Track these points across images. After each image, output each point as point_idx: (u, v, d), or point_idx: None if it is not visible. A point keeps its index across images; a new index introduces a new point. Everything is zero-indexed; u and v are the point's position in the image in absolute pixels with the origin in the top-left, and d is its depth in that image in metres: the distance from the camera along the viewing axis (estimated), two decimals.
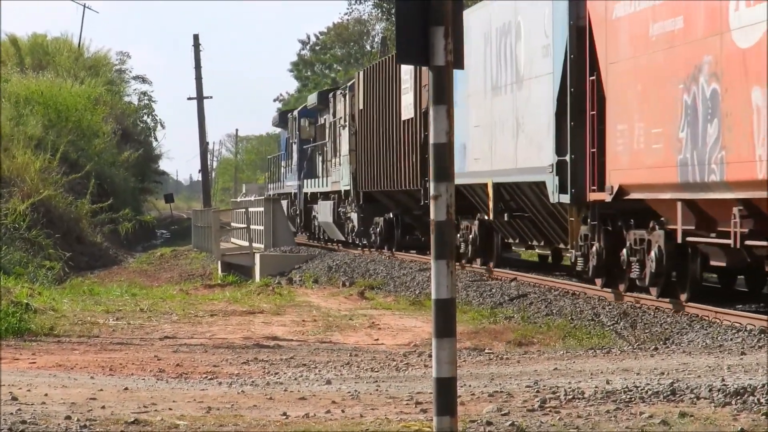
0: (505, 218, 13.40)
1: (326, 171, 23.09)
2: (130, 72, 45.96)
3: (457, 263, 14.30)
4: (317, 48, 50.70)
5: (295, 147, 27.34)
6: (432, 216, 3.71)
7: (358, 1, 44.82)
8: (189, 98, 37.37)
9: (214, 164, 49.82)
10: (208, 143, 37.76)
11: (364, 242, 20.18)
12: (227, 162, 61.10)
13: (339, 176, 20.27)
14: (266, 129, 58.84)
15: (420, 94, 15.17)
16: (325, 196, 22.80)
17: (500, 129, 12.79)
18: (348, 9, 46.97)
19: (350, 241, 20.36)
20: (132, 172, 35.02)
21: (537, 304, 12.15)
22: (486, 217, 14.31)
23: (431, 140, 3.87)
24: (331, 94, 23.54)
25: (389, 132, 17.19)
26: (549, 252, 14.99)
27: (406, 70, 15.98)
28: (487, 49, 13.24)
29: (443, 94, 3.72)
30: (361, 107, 19.13)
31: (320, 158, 24.22)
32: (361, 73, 19.75)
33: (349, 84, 21.17)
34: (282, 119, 31.64)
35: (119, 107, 35.50)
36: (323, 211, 22.55)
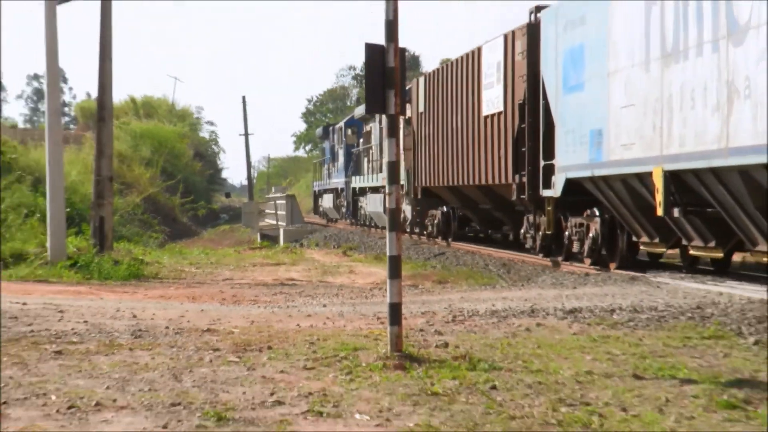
0: (678, 213, 9.47)
1: (373, 169, 24.27)
2: (203, 117, 70.38)
3: (571, 262, 12.37)
4: (317, 103, 77.90)
5: (341, 151, 29.91)
6: (387, 205, 5.66)
7: (342, 76, 77.40)
8: (240, 134, 53.68)
9: (255, 174, 70.01)
10: (251, 161, 54.44)
11: (417, 231, 20.83)
12: (262, 173, 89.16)
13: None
14: (287, 152, 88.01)
15: (513, 85, 13.05)
16: (374, 189, 23.81)
17: (683, 103, 9.10)
18: (335, 81, 78.32)
19: (410, 233, 22.02)
20: (205, 178, 54.05)
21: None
22: (613, 214, 11.23)
23: (386, 158, 5.80)
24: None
25: (462, 129, 15.76)
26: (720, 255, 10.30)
27: (491, 64, 14.01)
28: (652, 12, 9.59)
29: (394, 132, 5.68)
30: (421, 110, 18.50)
31: (366, 159, 25.48)
32: (422, 79, 18.80)
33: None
34: (325, 132, 35.94)
35: (196, 139, 55.87)
36: (372, 203, 24.32)
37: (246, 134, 50.98)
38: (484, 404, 3.80)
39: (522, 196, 12.99)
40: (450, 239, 18.10)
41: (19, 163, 20.64)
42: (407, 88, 18.39)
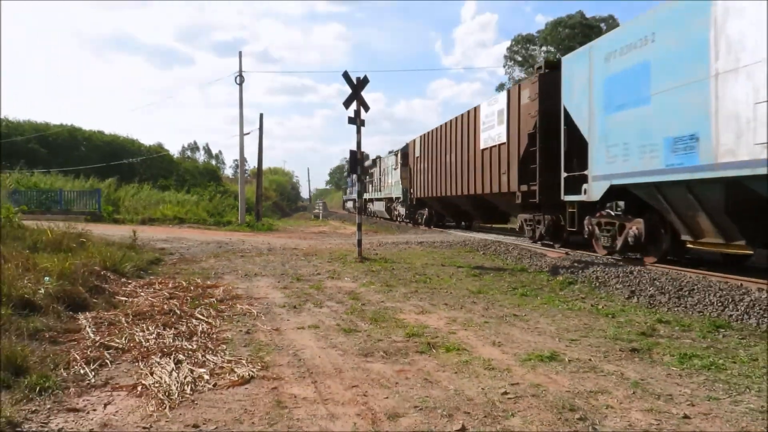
0: None
1: (374, 189, 38.54)
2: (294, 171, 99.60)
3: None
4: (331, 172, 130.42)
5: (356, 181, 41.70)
6: (358, 204, 12.98)
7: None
8: (306, 180, 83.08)
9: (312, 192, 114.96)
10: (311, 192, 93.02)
11: (407, 221, 30.58)
12: (314, 194, 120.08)
13: (390, 191, 32.71)
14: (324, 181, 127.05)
15: (519, 122, 14.78)
16: (379, 199, 37.17)
17: None
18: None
19: (396, 221, 33.20)
20: (294, 194, 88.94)
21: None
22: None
23: (357, 189, 13.14)
24: (377, 159, 38.60)
25: (455, 161, 20.49)
26: None
27: (491, 113, 16.95)
28: None
29: (359, 176, 12.90)
30: (417, 155, 26.13)
31: (370, 185, 39.50)
32: (417, 138, 26.23)
33: (396, 150, 31.41)
34: (349, 174, 48.94)
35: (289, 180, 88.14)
36: (378, 206, 37.61)
37: (308, 180, 77.76)
38: (390, 274, 11.17)
39: (532, 200, 14.39)
40: (432, 225, 26.73)
41: (230, 189, 42.81)
42: (405, 145, 29.47)
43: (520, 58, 57.63)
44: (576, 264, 11.19)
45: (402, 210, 31.87)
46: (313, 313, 7.33)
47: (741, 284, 8.20)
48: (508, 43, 60.72)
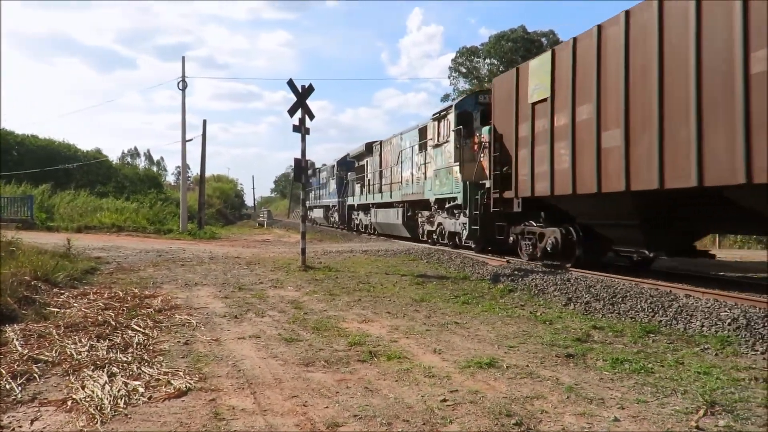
0: None
1: (371, 191, 26.41)
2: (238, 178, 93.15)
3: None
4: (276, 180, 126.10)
5: (333, 181, 35.73)
6: (336, 215, 13.07)
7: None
8: (251, 188, 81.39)
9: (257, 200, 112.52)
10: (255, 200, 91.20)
11: (342, 227, 33.33)
12: (259, 202, 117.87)
13: (419, 188, 19.98)
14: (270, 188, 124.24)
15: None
16: (380, 205, 25.21)
17: None
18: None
19: (333, 227, 36.23)
20: (238, 202, 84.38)
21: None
22: None
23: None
24: (376, 145, 25.87)
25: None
26: None
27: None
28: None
29: (305, 187, 12.90)
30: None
31: (358, 185, 28.89)
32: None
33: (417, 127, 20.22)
34: (313, 172, 43.96)
35: (233, 187, 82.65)
36: (384, 215, 24.54)
37: (253, 188, 76.06)
38: (333, 282, 11.11)
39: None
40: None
41: (172, 196, 40.48)
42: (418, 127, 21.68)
43: (464, 70, 58.64)
44: (516, 272, 11.42)
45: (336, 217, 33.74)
46: (254, 322, 7.22)
47: (670, 291, 8.56)
48: (453, 55, 61.74)
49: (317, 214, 41.85)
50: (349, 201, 31.30)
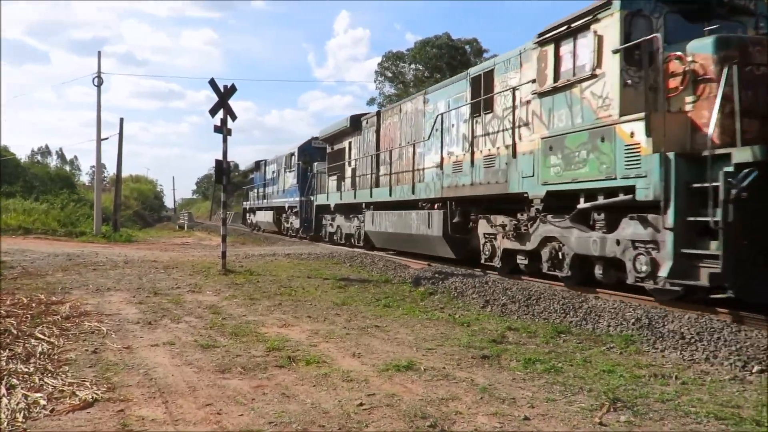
0: None
1: (361, 184, 18.44)
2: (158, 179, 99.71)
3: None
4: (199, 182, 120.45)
5: (289, 174, 28.00)
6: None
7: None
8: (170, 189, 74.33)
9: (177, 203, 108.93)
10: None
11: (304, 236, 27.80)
12: (180, 204, 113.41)
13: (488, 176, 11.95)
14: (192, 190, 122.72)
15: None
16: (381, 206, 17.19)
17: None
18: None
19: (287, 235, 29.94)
20: (157, 203, 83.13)
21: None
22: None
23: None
24: (369, 118, 18.27)
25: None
26: None
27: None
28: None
29: (226, 189, 12.54)
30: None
31: (334, 177, 20.91)
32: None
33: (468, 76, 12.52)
34: (257, 166, 37.42)
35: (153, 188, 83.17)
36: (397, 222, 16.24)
37: (173, 189, 72.40)
38: (254, 287, 10.88)
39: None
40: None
41: (86, 197, 38.75)
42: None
43: (390, 74, 59.15)
44: (437, 275, 11.61)
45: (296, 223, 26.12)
46: (169, 329, 6.99)
47: (580, 293, 8.94)
48: (379, 59, 62.21)
49: (263, 217, 34.14)
50: (319, 200, 22.49)
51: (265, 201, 33.74)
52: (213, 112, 12.91)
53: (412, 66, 57.18)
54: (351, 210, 19.39)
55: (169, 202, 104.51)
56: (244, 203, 43.69)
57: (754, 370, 5.29)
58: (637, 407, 4.29)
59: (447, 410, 4.23)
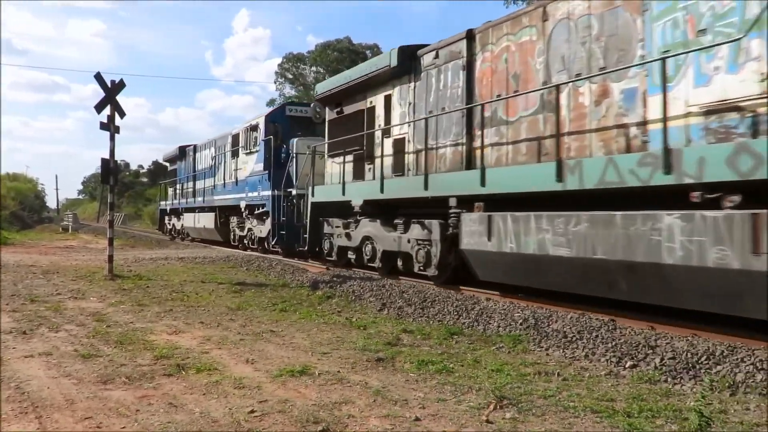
0: None
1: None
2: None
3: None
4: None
5: (247, 159, 20.10)
6: (109, 218, 12.05)
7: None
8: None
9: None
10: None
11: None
12: (64, 205, 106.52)
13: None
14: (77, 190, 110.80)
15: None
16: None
17: None
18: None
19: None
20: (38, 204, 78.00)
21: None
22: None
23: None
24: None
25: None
26: None
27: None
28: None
29: (113, 189, 11.89)
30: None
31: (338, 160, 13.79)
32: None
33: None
34: (181, 153, 28.49)
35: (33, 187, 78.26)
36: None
37: (56, 189, 64.04)
38: (143, 292, 10.39)
39: None
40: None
41: None
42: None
43: (290, 76, 58.63)
44: (336, 278, 11.62)
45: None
46: (46, 338, 6.53)
47: (473, 295, 9.25)
48: (280, 60, 61.40)
49: (195, 222, 25.39)
50: (318, 195, 14.36)
51: (198, 199, 25.18)
52: (99, 108, 12.22)
53: (313, 68, 57.00)
54: (387, 211, 12.04)
55: (51, 203, 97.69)
56: (161, 203, 33.16)
57: (627, 365, 5.70)
58: (521, 404, 4.49)
59: (340, 414, 4.24)
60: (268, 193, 17.76)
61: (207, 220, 23.57)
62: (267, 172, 18.03)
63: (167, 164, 30.91)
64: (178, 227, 28.81)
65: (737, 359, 5.39)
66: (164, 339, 6.60)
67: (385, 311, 8.81)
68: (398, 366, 5.66)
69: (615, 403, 4.56)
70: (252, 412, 4.25)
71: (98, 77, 12.25)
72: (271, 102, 58.09)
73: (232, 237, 21.63)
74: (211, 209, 23.37)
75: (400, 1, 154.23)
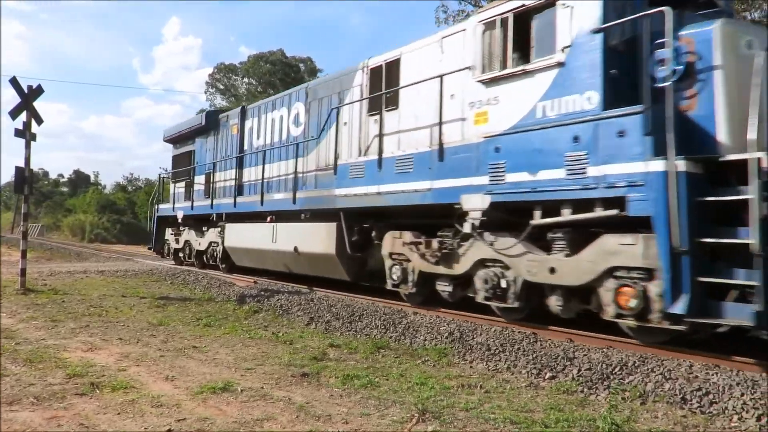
0: None
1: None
2: None
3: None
4: None
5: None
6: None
7: None
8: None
9: None
10: None
11: None
12: None
13: None
14: None
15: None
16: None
17: None
18: None
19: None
20: None
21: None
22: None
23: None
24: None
25: None
26: None
27: None
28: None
29: (27, 200, 11.29)
30: None
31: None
32: None
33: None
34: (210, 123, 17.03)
35: None
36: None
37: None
38: (58, 307, 9.83)
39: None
40: None
41: None
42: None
43: (222, 87, 57.70)
44: (263, 292, 11.43)
45: None
46: None
47: (401, 308, 9.31)
48: (211, 70, 60.28)
49: (252, 237, 13.77)
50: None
51: (254, 198, 13.81)
52: (14, 114, 11.62)
53: (245, 80, 56.32)
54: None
55: None
56: (158, 208, 19.82)
57: (546, 377, 5.87)
58: (443, 417, 4.54)
59: (261, 431, 4.16)
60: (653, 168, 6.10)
61: (311, 238, 11.64)
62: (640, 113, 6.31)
63: (172, 147, 19.83)
64: (198, 245, 16.81)
65: (648, 369, 5.66)
66: (78, 356, 6.29)
67: (312, 325, 8.73)
68: (323, 381, 5.61)
69: (533, 413, 4.69)
70: (169, 431, 4.11)
71: (14, 82, 11.65)
72: (200, 112, 57.02)
73: (393, 274, 9.80)
74: (318, 216, 11.56)
75: (337, 13, 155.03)
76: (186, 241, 17.91)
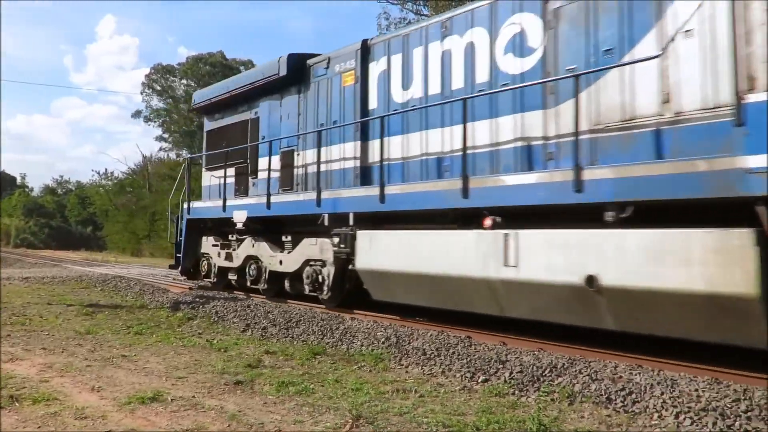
0: None
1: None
2: None
3: None
4: None
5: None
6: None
7: None
8: None
9: None
10: None
11: None
12: None
13: None
14: None
15: None
16: None
17: None
18: None
19: None
20: None
21: None
22: None
23: None
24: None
25: None
26: None
27: None
28: None
29: None
30: None
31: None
32: None
33: None
34: (296, 69, 11.28)
35: None
36: None
37: None
38: None
39: None
40: None
41: None
42: None
43: (159, 88, 56.22)
44: (198, 299, 11.18)
45: None
46: None
47: (339, 314, 9.30)
48: (147, 70, 58.60)
49: (446, 256, 7.67)
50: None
51: (490, 175, 7.66)
52: None
53: (183, 81, 55.07)
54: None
55: None
56: (187, 207, 13.47)
57: (480, 380, 5.98)
58: (377, 422, 4.56)
59: None
60: None
61: (656, 260, 5.64)
62: None
63: (206, 119, 14.30)
64: (280, 264, 10.92)
65: (576, 371, 5.84)
66: None
67: (248, 332, 8.59)
68: (257, 389, 5.53)
69: (466, 416, 4.76)
70: None
71: None
72: (136, 113, 55.40)
73: None
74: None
75: (276, 17, 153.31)
76: (250, 257, 11.77)
